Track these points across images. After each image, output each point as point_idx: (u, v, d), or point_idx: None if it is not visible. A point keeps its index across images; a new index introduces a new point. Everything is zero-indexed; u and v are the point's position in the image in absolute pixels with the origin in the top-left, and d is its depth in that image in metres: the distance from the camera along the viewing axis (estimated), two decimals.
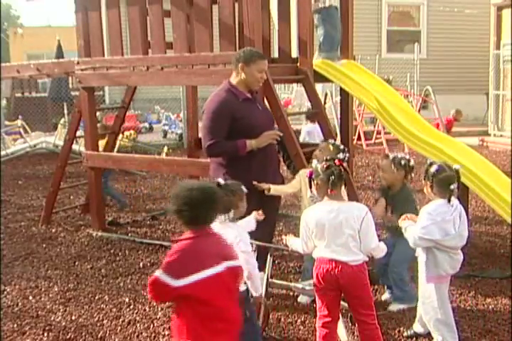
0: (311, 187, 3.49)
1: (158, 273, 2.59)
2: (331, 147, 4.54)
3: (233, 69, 4.31)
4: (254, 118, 4.14)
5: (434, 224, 3.54)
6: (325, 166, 3.40)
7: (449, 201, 3.60)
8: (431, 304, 3.65)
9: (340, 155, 4.37)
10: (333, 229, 3.35)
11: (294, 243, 3.60)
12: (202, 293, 2.59)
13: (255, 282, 3.37)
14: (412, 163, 4.35)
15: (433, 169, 3.63)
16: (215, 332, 2.65)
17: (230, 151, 4.15)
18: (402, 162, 4.31)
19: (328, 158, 3.47)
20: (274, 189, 4.40)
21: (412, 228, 3.64)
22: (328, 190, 3.39)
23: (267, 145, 4.21)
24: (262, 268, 3.86)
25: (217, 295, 2.63)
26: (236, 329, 2.74)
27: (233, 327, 2.72)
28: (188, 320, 2.63)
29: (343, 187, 3.50)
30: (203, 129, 4.24)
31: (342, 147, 4.63)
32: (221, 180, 3.33)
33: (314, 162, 3.52)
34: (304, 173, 4.30)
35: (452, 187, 3.59)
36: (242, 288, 3.09)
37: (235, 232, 3.31)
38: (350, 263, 3.34)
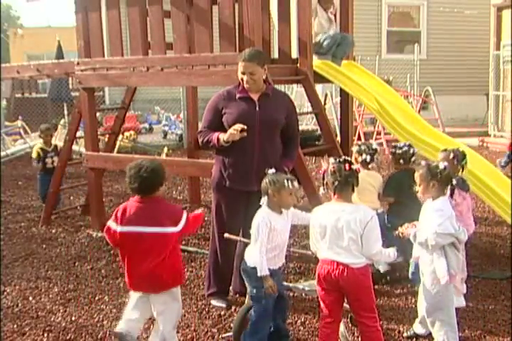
0: (323, 184, 3.51)
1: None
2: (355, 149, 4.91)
3: None
4: (241, 115, 4.17)
5: (447, 219, 3.56)
6: (332, 170, 3.40)
7: (452, 196, 3.68)
8: (436, 305, 3.64)
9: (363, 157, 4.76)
10: (335, 231, 3.35)
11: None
12: (126, 243, 3.47)
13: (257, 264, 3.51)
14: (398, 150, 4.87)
15: (441, 166, 3.65)
16: (129, 277, 3.51)
17: (208, 142, 4.25)
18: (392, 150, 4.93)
19: (341, 160, 3.45)
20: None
21: (422, 231, 3.62)
22: (335, 196, 3.41)
23: (252, 151, 4.19)
24: None
25: (136, 249, 3.42)
26: (143, 285, 3.47)
27: (140, 281, 3.47)
28: (123, 262, 3.55)
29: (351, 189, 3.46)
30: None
31: (364, 148, 4.85)
32: (271, 170, 3.60)
33: (331, 160, 3.52)
34: None
35: (455, 182, 3.67)
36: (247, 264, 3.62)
37: (261, 217, 3.51)
38: (351, 266, 3.34)
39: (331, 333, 3.50)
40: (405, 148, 4.81)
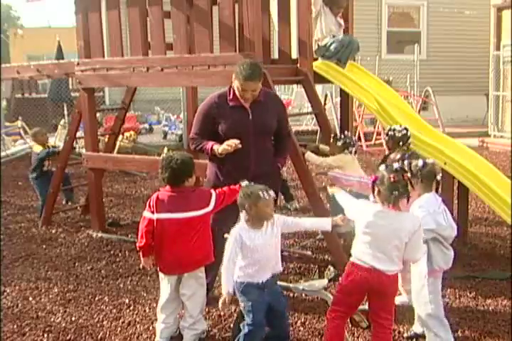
0: (373, 191, 3.42)
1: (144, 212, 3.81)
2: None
3: None
4: (235, 125, 4.16)
5: (428, 215, 3.58)
6: (392, 179, 3.32)
7: (437, 191, 3.71)
8: (423, 299, 3.66)
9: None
10: (381, 237, 3.32)
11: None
12: (163, 229, 3.70)
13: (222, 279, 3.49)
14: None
15: (420, 164, 3.71)
16: (165, 262, 3.77)
17: (202, 149, 4.27)
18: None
19: (398, 168, 3.40)
20: (309, 155, 5.26)
21: None
22: (390, 205, 3.34)
23: (248, 155, 4.18)
24: None
25: (173, 234, 3.69)
26: (179, 264, 3.73)
27: (177, 262, 3.73)
28: (157, 249, 3.77)
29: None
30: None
31: (348, 141, 5.29)
32: (245, 182, 3.65)
33: (382, 167, 3.46)
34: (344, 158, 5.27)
35: (439, 177, 3.72)
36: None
37: (232, 233, 3.50)
38: (387, 273, 3.32)
39: (341, 323, 3.50)
40: (404, 131, 5.02)
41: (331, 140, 5.43)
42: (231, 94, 4.22)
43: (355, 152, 5.45)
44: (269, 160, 4.37)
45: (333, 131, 5.78)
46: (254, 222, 3.49)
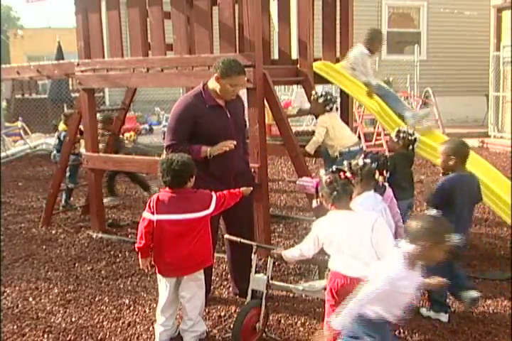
0: (317, 197, 3.46)
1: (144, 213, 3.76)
2: None
3: (213, 73, 4.18)
4: (216, 125, 4.13)
5: None
6: (328, 180, 3.35)
7: (375, 190, 3.78)
8: None
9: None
10: (343, 240, 3.27)
11: (288, 253, 3.63)
12: (162, 230, 3.66)
13: None
14: None
15: (360, 163, 3.77)
16: (164, 264, 3.73)
17: (187, 153, 4.12)
18: None
19: (334, 169, 3.42)
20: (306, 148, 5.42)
21: None
22: (333, 206, 3.34)
23: (232, 154, 4.16)
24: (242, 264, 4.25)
25: (173, 235, 3.66)
26: (178, 267, 3.70)
27: (176, 264, 3.70)
28: (156, 250, 3.75)
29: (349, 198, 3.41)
30: (166, 129, 4.32)
31: (329, 97, 5.39)
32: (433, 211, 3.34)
33: (321, 172, 3.48)
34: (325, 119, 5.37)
35: (377, 176, 3.78)
36: None
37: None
38: (364, 279, 3.18)
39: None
40: (416, 136, 4.98)
41: (312, 98, 5.47)
42: (206, 94, 4.18)
43: (337, 108, 5.45)
44: (244, 157, 4.45)
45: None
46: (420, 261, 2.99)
